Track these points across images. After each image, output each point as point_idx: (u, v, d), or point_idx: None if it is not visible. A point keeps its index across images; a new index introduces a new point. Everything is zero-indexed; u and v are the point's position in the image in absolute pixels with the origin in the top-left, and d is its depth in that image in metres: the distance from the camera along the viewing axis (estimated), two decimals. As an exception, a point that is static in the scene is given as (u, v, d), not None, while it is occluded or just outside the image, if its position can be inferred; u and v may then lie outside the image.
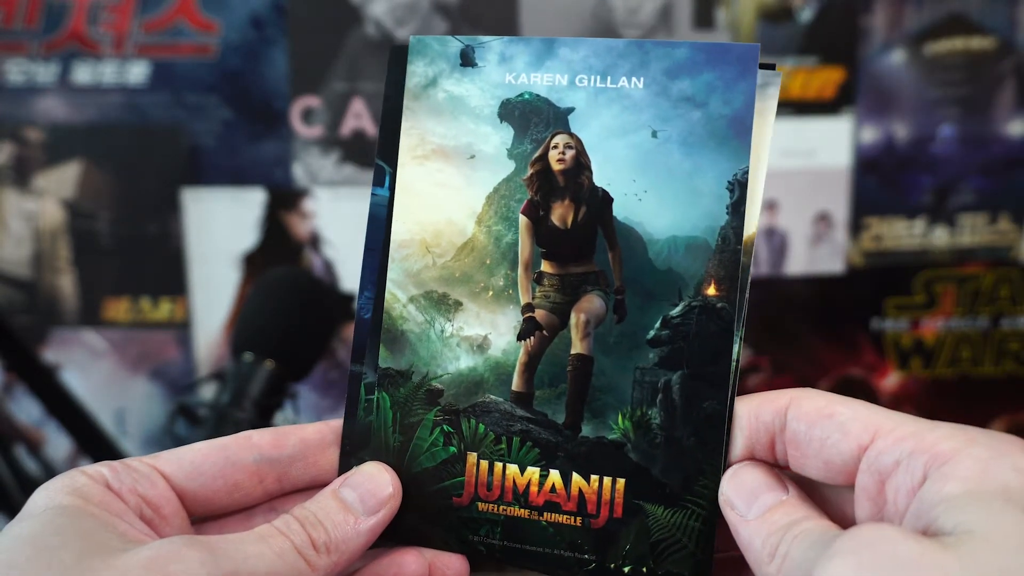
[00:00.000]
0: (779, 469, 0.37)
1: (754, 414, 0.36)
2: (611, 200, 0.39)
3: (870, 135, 1.16)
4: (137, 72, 1.14)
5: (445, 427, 0.40)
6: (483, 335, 0.40)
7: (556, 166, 0.40)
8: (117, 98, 1.14)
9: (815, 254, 1.18)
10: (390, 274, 0.41)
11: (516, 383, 0.40)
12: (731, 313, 0.38)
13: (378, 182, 0.41)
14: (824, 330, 1.21)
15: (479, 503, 0.40)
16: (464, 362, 0.40)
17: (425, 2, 1.12)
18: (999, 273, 1.20)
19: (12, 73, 1.14)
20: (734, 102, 0.38)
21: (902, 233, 1.19)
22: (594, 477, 0.39)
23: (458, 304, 0.40)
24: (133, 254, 1.18)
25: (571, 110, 0.40)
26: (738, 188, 0.38)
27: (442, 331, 0.40)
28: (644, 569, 0.38)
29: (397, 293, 0.41)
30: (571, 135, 0.40)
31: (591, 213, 0.40)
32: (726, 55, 0.38)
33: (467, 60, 0.41)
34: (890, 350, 1.22)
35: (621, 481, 0.38)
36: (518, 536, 0.39)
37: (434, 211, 0.41)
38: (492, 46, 0.41)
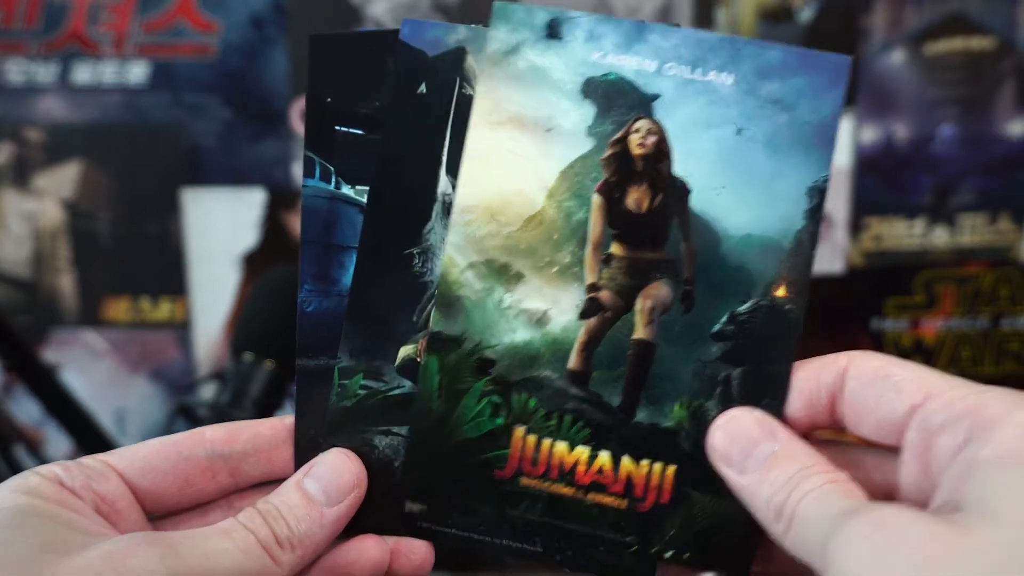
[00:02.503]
0: (837, 432, 0.37)
1: (814, 375, 0.36)
2: (688, 191, 0.39)
3: (870, 135, 1.16)
4: (137, 72, 1.14)
5: (494, 398, 0.39)
6: (543, 310, 0.39)
7: (636, 150, 0.39)
8: (117, 98, 1.14)
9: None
10: (450, 237, 0.39)
11: (573, 361, 0.39)
12: (797, 316, 0.38)
13: (309, 173, 0.40)
14: (824, 330, 1.21)
15: (522, 477, 0.39)
16: (520, 335, 0.39)
17: (425, 2, 1.12)
18: (999, 273, 1.20)
19: (12, 73, 1.14)
20: (822, 110, 0.38)
21: (902, 233, 1.19)
22: (644, 461, 0.39)
23: (520, 276, 0.39)
24: (133, 254, 1.18)
25: (656, 97, 0.39)
26: (817, 195, 0.38)
27: (500, 301, 0.39)
28: (685, 556, 0.38)
29: (456, 257, 0.39)
30: (654, 121, 0.39)
31: (667, 201, 0.39)
32: (818, 63, 0.38)
33: (554, 32, 0.39)
34: (890, 350, 1.22)
35: (671, 468, 0.38)
36: (559, 513, 0.39)
37: (504, 179, 0.39)
38: (580, 22, 0.40)
